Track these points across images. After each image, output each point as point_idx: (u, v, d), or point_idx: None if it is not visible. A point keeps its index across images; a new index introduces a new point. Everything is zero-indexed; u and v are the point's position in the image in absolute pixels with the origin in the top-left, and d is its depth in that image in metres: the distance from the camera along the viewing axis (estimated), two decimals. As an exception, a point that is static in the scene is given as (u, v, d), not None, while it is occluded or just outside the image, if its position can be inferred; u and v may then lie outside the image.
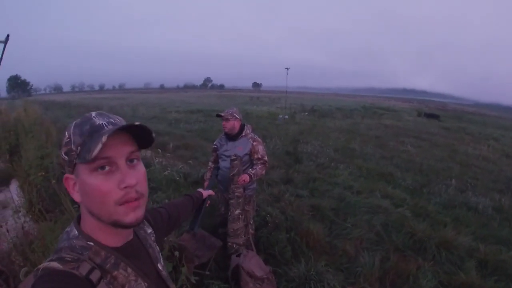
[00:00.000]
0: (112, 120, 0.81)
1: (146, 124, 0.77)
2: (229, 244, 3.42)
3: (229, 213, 3.43)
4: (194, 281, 2.63)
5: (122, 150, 0.77)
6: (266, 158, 3.53)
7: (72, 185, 0.80)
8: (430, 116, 28.92)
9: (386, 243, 4.31)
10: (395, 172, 8.27)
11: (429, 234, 4.44)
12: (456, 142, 14.76)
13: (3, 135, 8.80)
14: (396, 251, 4.14)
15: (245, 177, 3.33)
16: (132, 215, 0.78)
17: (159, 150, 8.50)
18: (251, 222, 3.73)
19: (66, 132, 0.79)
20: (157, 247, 1.06)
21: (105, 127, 0.77)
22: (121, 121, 0.83)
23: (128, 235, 0.89)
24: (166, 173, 6.47)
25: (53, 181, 4.98)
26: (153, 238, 1.06)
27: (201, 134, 12.84)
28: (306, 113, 25.17)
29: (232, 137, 3.53)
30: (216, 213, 4.04)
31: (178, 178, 6.35)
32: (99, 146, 0.70)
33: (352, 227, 4.62)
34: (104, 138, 0.70)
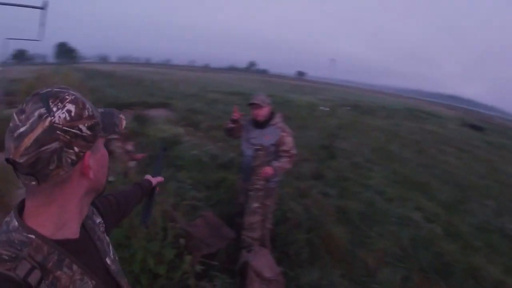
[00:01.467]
0: None
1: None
2: (243, 237, 3.30)
3: (247, 205, 3.31)
4: (199, 271, 2.54)
5: None
6: (293, 152, 3.32)
7: (88, 162, 0.76)
8: (475, 127, 27.34)
9: (411, 260, 4.04)
10: (432, 183, 7.83)
11: (458, 258, 4.13)
12: (498, 159, 13.83)
13: None
14: (420, 271, 3.87)
15: (269, 170, 3.18)
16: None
17: (191, 128, 8.57)
18: (269, 216, 3.58)
19: (86, 105, 0.75)
20: (107, 238, 1.01)
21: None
22: None
23: (83, 219, 0.86)
24: (194, 152, 6.47)
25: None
26: (102, 229, 1.00)
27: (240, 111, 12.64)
28: (348, 108, 24.55)
29: (260, 124, 3.34)
30: (235, 201, 3.90)
31: (205, 159, 6.31)
32: (124, 121, 0.89)
33: (377, 237, 4.37)
34: (122, 116, 0.90)
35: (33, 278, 0.66)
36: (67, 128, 0.70)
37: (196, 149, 6.72)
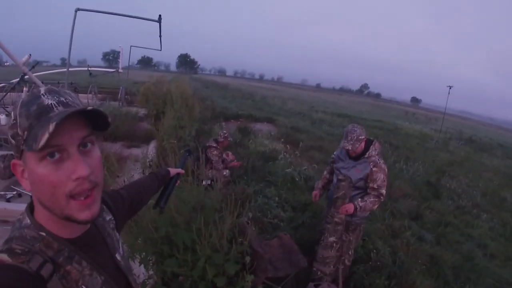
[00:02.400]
0: (63, 99, 0.72)
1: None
2: (314, 269, 3.11)
3: (322, 238, 3.11)
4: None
5: (73, 136, 0.70)
6: (382, 191, 3.00)
7: (20, 172, 0.73)
8: None
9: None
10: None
11: None
12: None
13: (154, 102, 10.15)
14: None
15: (349, 208, 2.94)
16: (87, 213, 0.73)
17: (287, 146, 8.57)
18: (350, 253, 3.31)
19: (12, 113, 0.71)
20: (117, 234, 1.00)
21: (55, 109, 0.69)
22: (73, 100, 0.75)
23: (85, 226, 0.83)
24: (288, 170, 6.41)
25: (181, 151, 5.41)
26: (112, 226, 0.99)
27: (340, 139, 12.32)
28: (462, 142, 22.27)
29: (354, 156, 3.14)
30: (318, 228, 3.68)
31: (297, 179, 6.18)
32: (46, 135, 0.63)
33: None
34: (51, 127, 0.63)
35: (46, 271, 0.68)
36: (7, 131, 0.73)
37: (290, 167, 6.63)
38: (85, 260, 0.78)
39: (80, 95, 13.00)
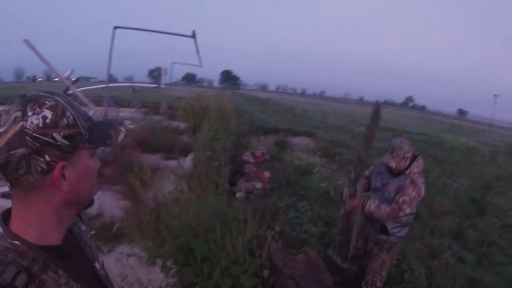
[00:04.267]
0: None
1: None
2: None
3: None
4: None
5: None
6: (405, 209, 2.73)
7: (61, 174, 0.73)
8: None
9: None
10: None
11: None
12: None
13: (193, 115, 10.44)
14: None
15: (355, 201, 2.86)
16: None
17: (324, 159, 8.44)
18: (382, 274, 3.11)
19: (66, 113, 0.73)
20: (94, 245, 1.00)
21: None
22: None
23: (64, 232, 0.84)
24: (322, 184, 6.28)
25: (216, 163, 5.49)
26: (89, 235, 1.00)
27: (381, 153, 11.97)
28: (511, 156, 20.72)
29: (394, 172, 2.93)
30: (350, 246, 3.51)
31: (332, 194, 6.03)
32: (122, 134, 0.84)
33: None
34: (122, 128, 0.85)
35: (20, 282, 0.67)
36: (38, 135, 0.68)
37: (325, 181, 6.49)
38: (61, 269, 0.76)
39: (123, 108, 13.63)
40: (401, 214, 2.74)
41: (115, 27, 7.02)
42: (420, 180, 2.78)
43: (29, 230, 0.74)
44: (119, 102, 11.75)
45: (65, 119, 0.72)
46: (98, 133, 0.80)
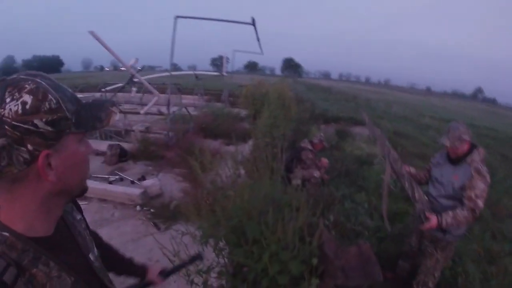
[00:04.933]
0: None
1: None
2: None
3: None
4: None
5: None
6: (479, 203, 2.51)
7: (47, 163, 0.69)
8: None
9: None
10: None
11: None
12: None
13: (253, 102, 10.57)
14: None
15: (432, 222, 2.58)
16: None
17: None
18: (435, 275, 2.95)
19: (48, 96, 0.68)
20: (89, 235, 0.98)
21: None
22: None
23: (55, 222, 0.81)
24: (382, 176, 6.07)
25: (274, 150, 5.51)
26: (84, 225, 0.97)
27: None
28: None
29: (453, 159, 2.77)
30: (406, 241, 3.36)
31: (393, 188, 5.81)
32: (114, 116, 0.79)
33: None
34: (115, 109, 0.81)
35: (9, 276, 0.64)
36: (17, 123, 0.63)
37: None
38: (52, 261, 0.74)
39: (186, 96, 14.12)
40: (477, 212, 2.54)
41: (177, 17, 7.26)
42: (484, 169, 2.58)
43: (17, 222, 0.71)
44: (182, 90, 12.14)
45: (47, 103, 0.66)
46: (87, 116, 0.75)
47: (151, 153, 7.37)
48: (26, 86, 0.65)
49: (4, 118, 0.62)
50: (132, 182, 5.89)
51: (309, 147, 5.56)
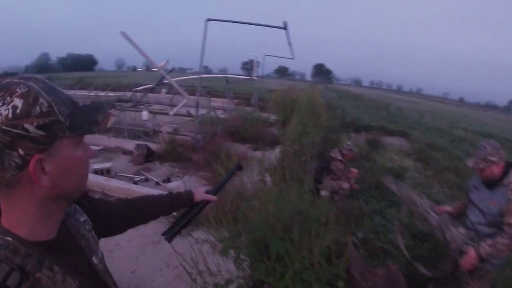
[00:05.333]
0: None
1: None
2: None
3: None
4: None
5: None
6: None
7: (40, 168, 0.68)
8: None
9: None
10: None
11: None
12: None
13: (282, 108, 10.45)
14: None
15: (469, 257, 2.41)
16: None
17: (417, 163, 7.84)
18: None
19: (39, 100, 0.66)
20: (94, 236, 0.95)
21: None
22: None
23: (57, 225, 0.80)
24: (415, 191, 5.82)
25: (303, 158, 5.39)
26: (88, 227, 0.95)
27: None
28: None
29: (489, 183, 2.55)
30: (438, 266, 3.15)
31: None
32: (112, 118, 0.77)
33: None
34: (114, 112, 0.78)
35: (13, 281, 0.64)
36: (7, 128, 0.62)
37: (417, 188, 6.00)
38: (56, 265, 0.73)
39: (215, 98, 14.17)
40: None
41: (208, 19, 7.27)
42: None
43: (18, 226, 0.71)
44: (212, 92, 12.23)
45: (38, 107, 0.65)
46: (83, 119, 0.73)
47: (178, 154, 7.38)
48: (18, 90, 0.64)
49: None
50: (157, 184, 5.90)
51: (339, 157, 5.41)
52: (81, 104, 0.76)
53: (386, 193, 5.64)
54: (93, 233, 0.97)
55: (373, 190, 5.72)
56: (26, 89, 0.65)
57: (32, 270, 0.68)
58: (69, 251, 0.82)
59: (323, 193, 4.97)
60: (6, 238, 0.69)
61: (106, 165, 6.28)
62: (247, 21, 8.26)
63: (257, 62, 18.64)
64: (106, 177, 5.75)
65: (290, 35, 9.25)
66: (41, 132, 0.65)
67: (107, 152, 7.87)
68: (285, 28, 8.05)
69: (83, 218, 0.95)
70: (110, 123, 0.77)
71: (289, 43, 10.03)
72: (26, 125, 0.63)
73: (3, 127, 0.62)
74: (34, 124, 0.64)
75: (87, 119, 0.74)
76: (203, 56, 7.57)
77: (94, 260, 0.89)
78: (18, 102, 0.63)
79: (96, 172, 5.91)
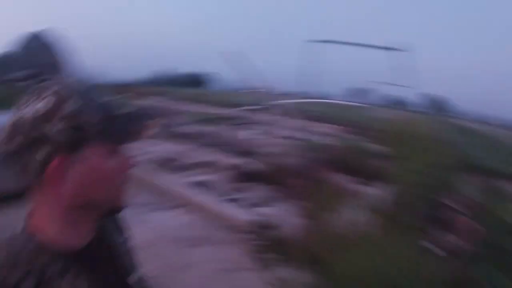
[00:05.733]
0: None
1: None
2: None
3: None
4: None
5: None
6: None
7: (60, 172, 0.65)
8: None
9: None
10: None
11: None
12: None
13: (395, 140, 9.80)
14: None
15: None
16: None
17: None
18: None
19: (68, 102, 0.64)
20: (130, 257, 0.90)
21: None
22: None
23: (90, 234, 0.76)
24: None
25: (416, 202, 4.86)
26: (125, 248, 0.90)
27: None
28: None
29: None
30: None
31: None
32: (149, 129, 0.76)
33: None
34: (152, 122, 0.76)
35: (27, 286, 0.62)
36: (33, 128, 0.62)
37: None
38: (82, 275, 0.70)
39: (322, 124, 14.00)
40: None
41: (311, 41, 7.14)
42: None
43: (44, 231, 0.69)
44: (319, 117, 12.07)
45: (66, 110, 0.63)
46: (114, 128, 0.69)
47: (276, 178, 7.22)
48: (49, 91, 0.65)
49: (21, 122, 0.62)
50: (248, 206, 5.76)
51: (452, 205, 4.97)
52: (119, 112, 0.72)
53: (508, 259, 4.74)
54: (130, 253, 0.92)
55: (490, 252, 4.82)
56: (58, 91, 0.65)
57: (52, 277, 0.66)
58: (100, 265, 0.78)
59: (432, 249, 4.41)
60: (31, 242, 0.67)
61: (198, 178, 6.47)
62: (362, 43, 7.97)
63: (369, 89, 18.10)
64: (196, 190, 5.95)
65: (410, 59, 8.66)
66: (65, 136, 0.63)
67: (202, 165, 8.04)
68: (403, 50, 7.55)
69: (121, 238, 0.92)
70: (147, 134, 0.76)
71: (406, 71, 9.42)
72: (51, 127, 0.62)
73: (30, 127, 0.62)
74: (59, 126, 0.63)
75: (120, 128, 0.71)
76: (311, 80, 7.46)
77: (130, 281, 0.86)
78: (46, 103, 0.63)
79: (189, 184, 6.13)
